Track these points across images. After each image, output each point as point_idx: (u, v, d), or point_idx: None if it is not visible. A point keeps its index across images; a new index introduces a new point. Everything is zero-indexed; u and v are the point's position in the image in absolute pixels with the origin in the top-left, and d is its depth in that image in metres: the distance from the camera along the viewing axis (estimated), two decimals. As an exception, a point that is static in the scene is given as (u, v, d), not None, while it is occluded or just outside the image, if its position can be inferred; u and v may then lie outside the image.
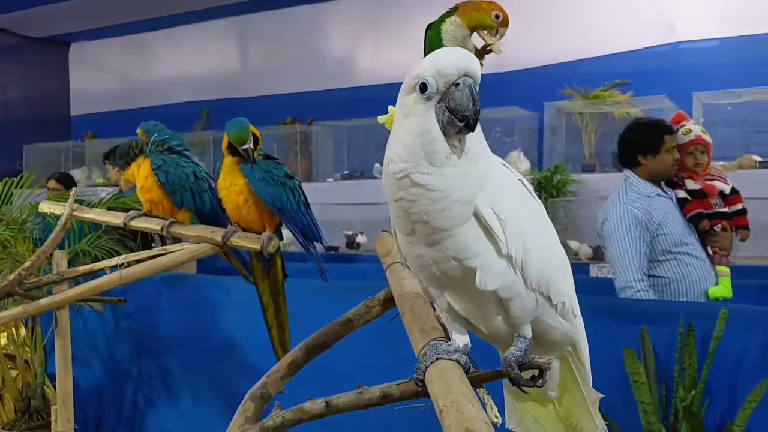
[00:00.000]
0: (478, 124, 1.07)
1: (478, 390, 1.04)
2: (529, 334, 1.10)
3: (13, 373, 4.29)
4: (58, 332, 2.62)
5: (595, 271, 5.34)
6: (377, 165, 7.19)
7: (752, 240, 5.32)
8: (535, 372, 1.06)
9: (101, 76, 10.31)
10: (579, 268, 5.45)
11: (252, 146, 2.40)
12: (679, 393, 2.85)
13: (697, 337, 2.87)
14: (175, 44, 9.58)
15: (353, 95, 8.07)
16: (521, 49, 7.21)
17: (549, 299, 1.12)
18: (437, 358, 1.07)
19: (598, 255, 5.48)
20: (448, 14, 1.54)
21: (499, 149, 6.96)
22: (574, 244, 5.69)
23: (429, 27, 1.54)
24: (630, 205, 3.60)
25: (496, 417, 1.04)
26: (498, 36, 1.58)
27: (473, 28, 1.54)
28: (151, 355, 4.32)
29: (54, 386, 3.68)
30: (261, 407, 1.36)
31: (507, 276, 1.06)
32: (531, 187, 1.18)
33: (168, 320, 4.27)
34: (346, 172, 7.68)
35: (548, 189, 6.06)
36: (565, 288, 1.15)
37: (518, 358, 1.07)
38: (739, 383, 2.80)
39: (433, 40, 1.50)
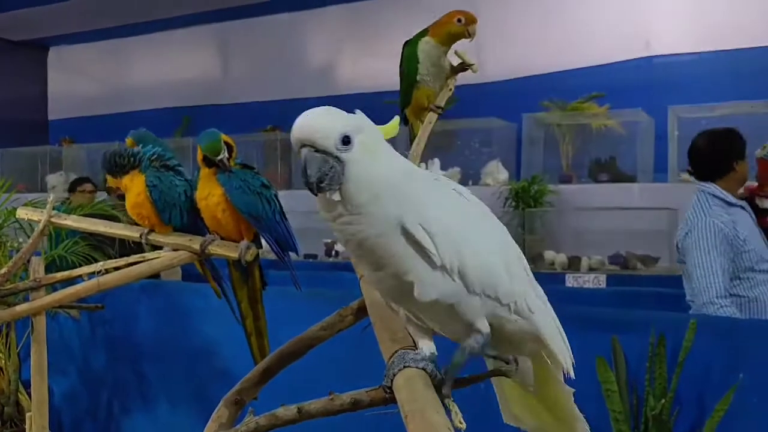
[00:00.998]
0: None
1: (444, 394, 1.09)
2: (485, 328, 1.15)
3: (-13, 379, 4.25)
4: (34, 338, 2.62)
5: (570, 281, 5.41)
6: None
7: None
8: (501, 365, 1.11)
9: (80, 80, 10.25)
10: (555, 278, 5.52)
11: (227, 155, 2.41)
12: (650, 402, 2.90)
13: (668, 346, 2.93)
14: (156, 50, 9.55)
15: (333, 103, 8.05)
16: (500, 60, 7.32)
17: (498, 300, 1.16)
18: (404, 366, 1.12)
19: (573, 265, 5.55)
20: (422, 34, 1.58)
21: (478, 159, 7.04)
22: (550, 254, 5.76)
23: (406, 43, 1.59)
24: (716, 219, 3.48)
25: (461, 423, 1.07)
26: (470, 36, 1.63)
27: (447, 43, 1.59)
28: (127, 362, 4.31)
29: (28, 393, 3.66)
30: (235, 413, 1.38)
31: (445, 285, 1.11)
32: (469, 195, 1.21)
33: (145, 327, 4.26)
34: (326, 181, 7.69)
35: (525, 199, 6.12)
36: (515, 288, 1.17)
37: (474, 350, 1.12)
38: (707, 392, 2.86)
39: (410, 58, 1.54)
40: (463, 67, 1.63)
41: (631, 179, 6.21)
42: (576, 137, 6.63)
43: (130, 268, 2.24)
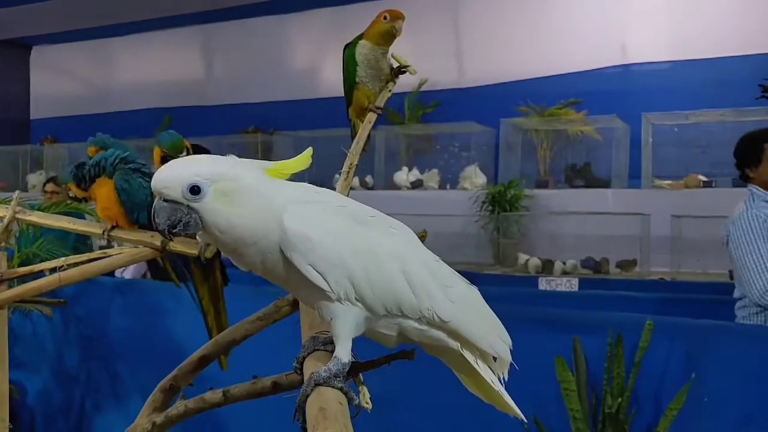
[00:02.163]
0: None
1: (354, 378, 1.14)
2: (345, 358, 1.17)
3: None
4: (-5, 332, 2.65)
5: (543, 284, 5.47)
6: (337, 176, 7.27)
7: (696, 256, 5.53)
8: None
9: (63, 80, 10.26)
10: (528, 281, 5.58)
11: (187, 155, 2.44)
12: (608, 401, 2.96)
13: (626, 347, 2.99)
14: (139, 51, 9.58)
15: (315, 106, 8.15)
16: (480, 66, 7.41)
17: (405, 315, 1.21)
18: (314, 349, 1.21)
19: (546, 268, 5.62)
20: (360, 37, 1.63)
21: (456, 164, 7.11)
22: (523, 257, 5.82)
23: (346, 46, 1.64)
24: (758, 211, 3.61)
25: (367, 403, 1.13)
26: (396, 32, 1.67)
27: (382, 43, 1.64)
28: (100, 360, 4.33)
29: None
30: (170, 398, 1.43)
31: (346, 310, 1.17)
32: (362, 210, 1.24)
33: (118, 325, 4.29)
34: (306, 182, 7.73)
35: (501, 203, 6.19)
36: (421, 303, 1.21)
37: (323, 379, 1.14)
38: (663, 391, 2.93)
39: (349, 60, 1.60)
40: (401, 69, 1.68)
41: (606, 185, 6.30)
42: (554, 143, 6.72)
43: (92, 263, 2.28)
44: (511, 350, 1.33)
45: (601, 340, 3.11)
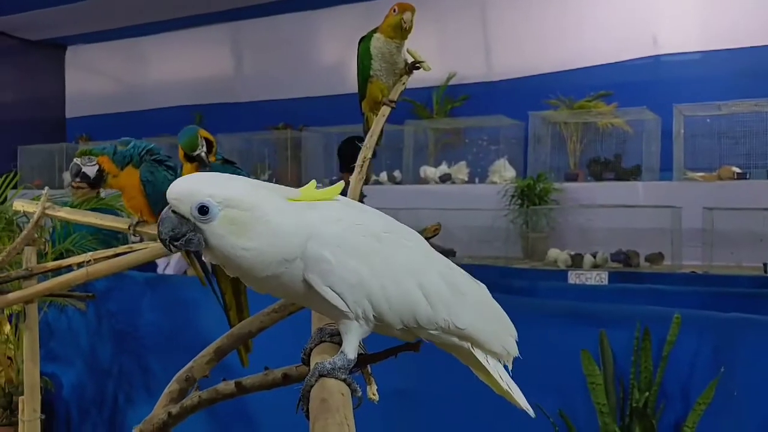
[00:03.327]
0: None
1: (362, 370, 1.15)
2: (351, 354, 1.17)
3: (-4, 369, 4.38)
4: (27, 325, 2.71)
5: (573, 278, 5.42)
6: (366, 171, 7.28)
7: (730, 249, 5.43)
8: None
9: (96, 79, 10.43)
10: (557, 275, 5.54)
11: (205, 150, 2.47)
12: (635, 395, 2.94)
13: (653, 341, 2.96)
14: (170, 49, 9.70)
15: (345, 102, 8.16)
16: (508, 59, 7.36)
17: (421, 328, 1.21)
18: (321, 341, 1.21)
19: (576, 262, 5.57)
20: (375, 31, 1.64)
21: (485, 157, 7.08)
22: (553, 252, 5.78)
23: (361, 40, 1.65)
24: None
25: (374, 395, 1.13)
26: (405, 22, 1.67)
27: (395, 36, 1.64)
28: (132, 353, 4.40)
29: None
30: (186, 389, 1.46)
31: (362, 325, 1.18)
32: (378, 225, 1.21)
33: (149, 319, 4.36)
34: (334, 177, 7.77)
35: (531, 197, 6.15)
36: (438, 315, 1.20)
37: (327, 371, 1.14)
38: (692, 386, 2.89)
39: (363, 54, 1.61)
40: (415, 65, 1.68)
41: (637, 177, 6.22)
42: (583, 135, 6.65)
43: (118, 258, 2.32)
44: (516, 342, 1.34)
45: (628, 334, 3.08)
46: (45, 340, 4.58)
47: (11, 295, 2.58)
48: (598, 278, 5.34)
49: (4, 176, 3.98)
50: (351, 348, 1.15)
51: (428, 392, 3.30)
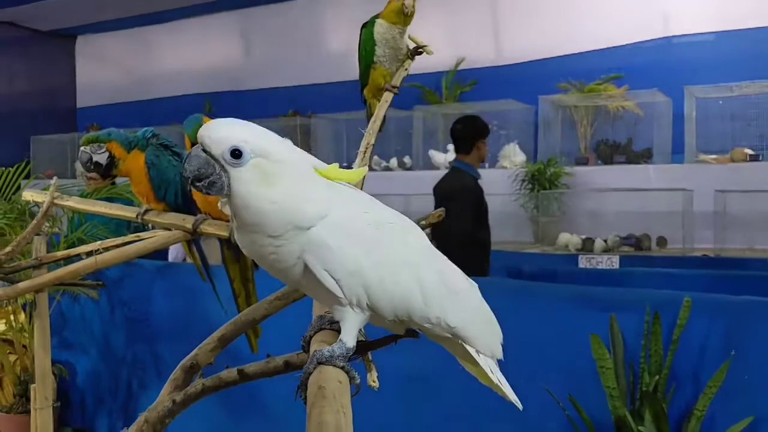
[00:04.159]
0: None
1: (362, 357, 1.16)
2: (350, 343, 1.16)
3: (12, 358, 4.42)
4: (37, 314, 2.74)
5: (583, 262, 5.41)
6: (376, 157, 7.29)
7: (743, 231, 5.40)
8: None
9: (107, 68, 10.46)
10: (568, 259, 5.53)
11: None
12: (645, 379, 2.93)
13: (663, 324, 2.95)
14: (179, 37, 9.71)
15: (353, 88, 8.12)
16: (516, 43, 7.31)
17: (414, 322, 1.21)
18: (321, 328, 1.21)
19: (587, 246, 5.56)
20: (377, 16, 1.63)
21: (495, 142, 7.04)
22: (564, 236, 5.76)
23: (364, 25, 1.64)
24: None
25: (374, 381, 1.14)
26: (407, 7, 1.66)
27: (398, 22, 1.64)
28: (144, 341, 4.44)
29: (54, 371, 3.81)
30: (190, 377, 1.47)
31: (356, 313, 1.17)
32: (382, 215, 1.20)
33: (160, 307, 4.38)
34: (344, 164, 7.76)
35: (541, 181, 6.13)
36: (431, 311, 1.20)
37: (325, 358, 1.13)
38: (702, 369, 2.88)
39: (366, 39, 1.60)
40: (418, 50, 1.67)
41: (648, 160, 6.18)
42: (594, 119, 6.61)
43: (126, 246, 2.33)
44: (502, 345, 1.34)
45: (638, 318, 3.06)
46: (59, 329, 4.63)
47: (21, 285, 2.60)
48: (609, 262, 5.33)
49: (16, 166, 4.01)
50: (350, 336, 1.15)
51: (434, 379, 3.31)
